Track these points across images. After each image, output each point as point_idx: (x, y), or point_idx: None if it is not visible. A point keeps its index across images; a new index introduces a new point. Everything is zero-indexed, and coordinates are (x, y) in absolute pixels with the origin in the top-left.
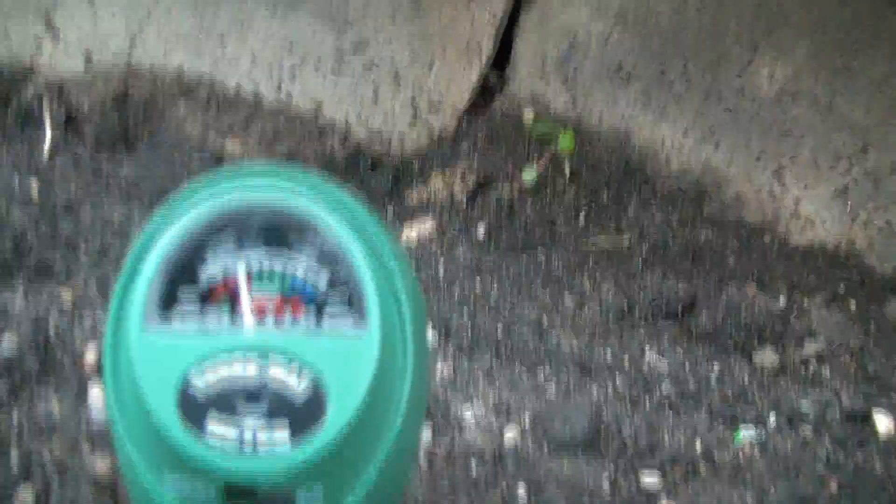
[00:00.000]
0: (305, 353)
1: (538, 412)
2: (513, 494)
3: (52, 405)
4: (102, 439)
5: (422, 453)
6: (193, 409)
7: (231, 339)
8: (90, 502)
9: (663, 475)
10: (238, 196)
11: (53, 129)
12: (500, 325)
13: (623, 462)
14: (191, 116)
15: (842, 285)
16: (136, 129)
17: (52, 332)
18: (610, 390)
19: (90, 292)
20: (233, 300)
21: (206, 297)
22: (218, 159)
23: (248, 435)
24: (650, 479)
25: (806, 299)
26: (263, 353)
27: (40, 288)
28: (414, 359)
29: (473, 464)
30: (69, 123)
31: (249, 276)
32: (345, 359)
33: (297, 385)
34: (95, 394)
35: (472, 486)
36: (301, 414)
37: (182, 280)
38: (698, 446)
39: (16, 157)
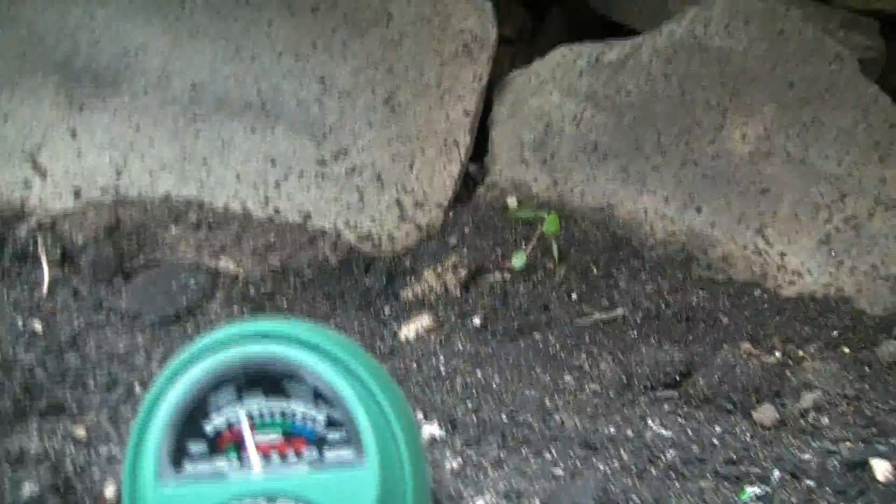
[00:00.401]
0: (311, 491)
1: (548, 495)
2: None
3: None
4: None
5: None
6: None
7: (240, 485)
8: None
9: None
10: (233, 353)
11: (50, 266)
12: (504, 413)
13: None
14: (183, 239)
15: (834, 332)
16: (131, 258)
17: (69, 470)
18: (616, 464)
19: (103, 425)
20: (239, 445)
21: (214, 446)
22: (214, 278)
23: None
24: None
25: (800, 350)
26: (272, 496)
27: (54, 426)
28: (412, 482)
29: None
30: (65, 259)
31: (252, 423)
32: (348, 491)
33: None
34: None
35: None
36: None
37: (190, 433)
38: None
39: (16, 298)
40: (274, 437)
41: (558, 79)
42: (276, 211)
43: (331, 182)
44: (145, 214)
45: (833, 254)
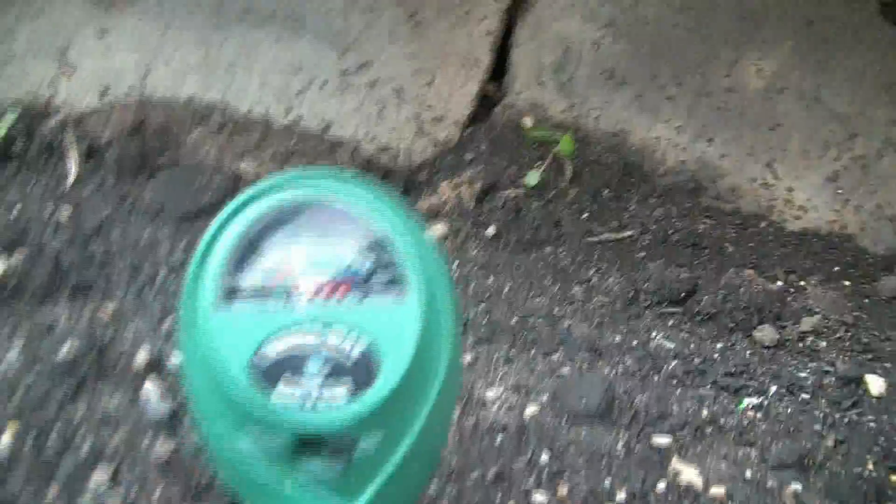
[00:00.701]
0: (358, 323)
1: (555, 390)
2: (536, 459)
3: (113, 401)
4: (159, 427)
5: (451, 428)
6: (263, 374)
7: (293, 315)
8: (156, 479)
9: (673, 437)
10: (292, 194)
11: (77, 159)
12: (514, 317)
13: (636, 428)
14: (206, 141)
15: (836, 266)
16: (155, 156)
17: (100, 339)
18: (621, 369)
19: (128, 306)
20: (290, 284)
21: (267, 282)
22: (235, 180)
23: (311, 393)
24: (661, 440)
25: (802, 281)
26: (321, 325)
27: (82, 304)
28: (450, 323)
29: (499, 436)
30: (90, 153)
31: (303, 264)
32: (393, 325)
33: (352, 349)
34: (148, 389)
35: (499, 453)
36: (358, 374)
37: (246, 268)
38: (705, 413)
39: (43, 188)
40: (324, 278)
41: (580, 5)
42: (298, 119)
43: (352, 93)
44: (170, 115)
45: (839, 191)
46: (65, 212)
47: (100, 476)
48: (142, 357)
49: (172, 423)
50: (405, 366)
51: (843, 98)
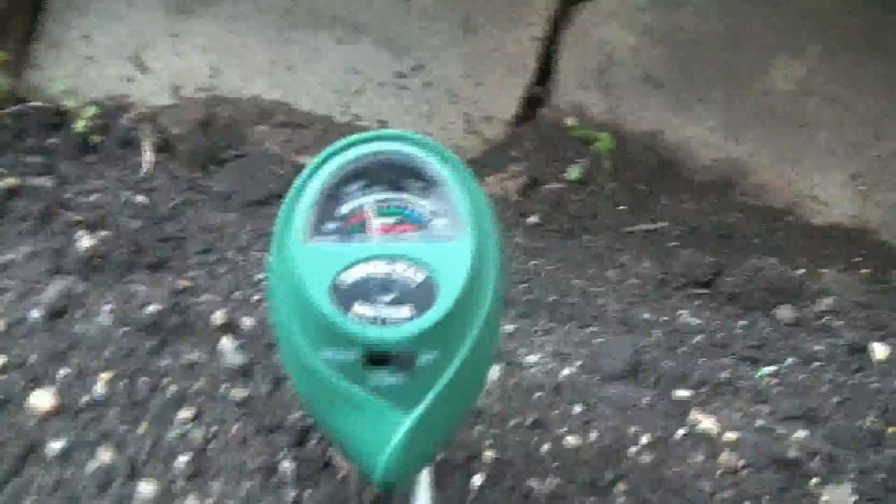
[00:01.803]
0: (420, 256)
1: (588, 356)
2: (570, 411)
3: (193, 354)
4: (235, 376)
5: (493, 385)
6: (341, 298)
7: (365, 249)
8: (233, 418)
9: (694, 393)
10: (365, 151)
11: (151, 151)
12: (553, 295)
13: (660, 386)
14: (269, 137)
15: (856, 257)
16: (223, 149)
17: (179, 305)
18: (649, 340)
19: (202, 279)
20: (363, 226)
21: (345, 224)
22: (297, 170)
23: (381, 314)
24: (682, 394)
25: (822, 268)
26: (390, 258)
27: (160, 278)
28: (498, 260)
29: (537, 392)
30: (163, 146)
31: (375, 209)
32: (449, 259)
33: (415, 278)
34: (225, 344)
35: (537, 406)
36: (420, 299)
37: (326, 213)
38: (724, 375)
39: (120, 177)
40: (392, 221)
41: (621, 13)
42: (356, 117)
43: (407, 93)
44: (236, 112)
45: (862, 189)
46: (140, 198)
47: (184, 414)
48: (218, 318)
49: (247, 372)
50: (459, 292)
51: (867, 101)
